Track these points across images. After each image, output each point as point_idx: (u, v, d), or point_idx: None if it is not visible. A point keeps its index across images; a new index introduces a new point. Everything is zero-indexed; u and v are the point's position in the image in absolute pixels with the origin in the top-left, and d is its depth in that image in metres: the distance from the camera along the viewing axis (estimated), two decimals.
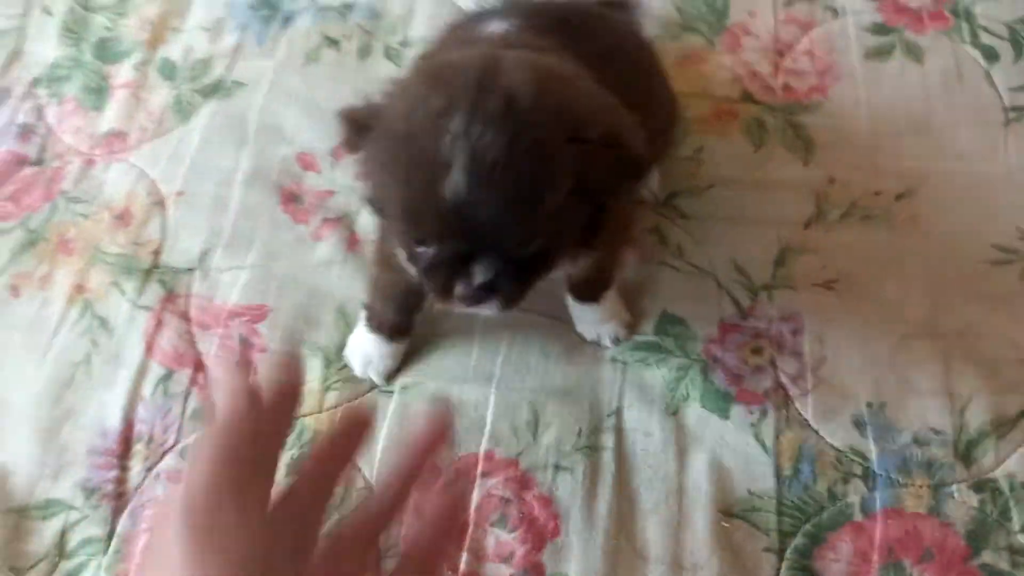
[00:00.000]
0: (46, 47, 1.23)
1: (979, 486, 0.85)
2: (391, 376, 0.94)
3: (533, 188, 0.63)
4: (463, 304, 0.68)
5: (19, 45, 1.24)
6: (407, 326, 0.93)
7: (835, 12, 1.16)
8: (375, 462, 0.89)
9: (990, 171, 1.03)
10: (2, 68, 1.21)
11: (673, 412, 0.91)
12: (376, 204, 0.72)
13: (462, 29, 0.93)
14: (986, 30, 1.12)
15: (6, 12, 1.27)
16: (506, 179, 0.62)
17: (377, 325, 0.92)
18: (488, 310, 0.70)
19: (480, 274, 0.66)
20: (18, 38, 1.24)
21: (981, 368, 0.91)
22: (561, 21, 0.86)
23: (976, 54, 1.11)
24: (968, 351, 0.92)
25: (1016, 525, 0.83)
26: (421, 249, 0.68)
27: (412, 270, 0.72)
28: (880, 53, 1.12)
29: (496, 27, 0.84)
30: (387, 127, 0.67)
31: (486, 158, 0.61)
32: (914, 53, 1.12)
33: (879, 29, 1.14)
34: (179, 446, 0.91)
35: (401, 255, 0.74)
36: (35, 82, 1.20)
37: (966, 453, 0.87)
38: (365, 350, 0.93)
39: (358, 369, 0.94)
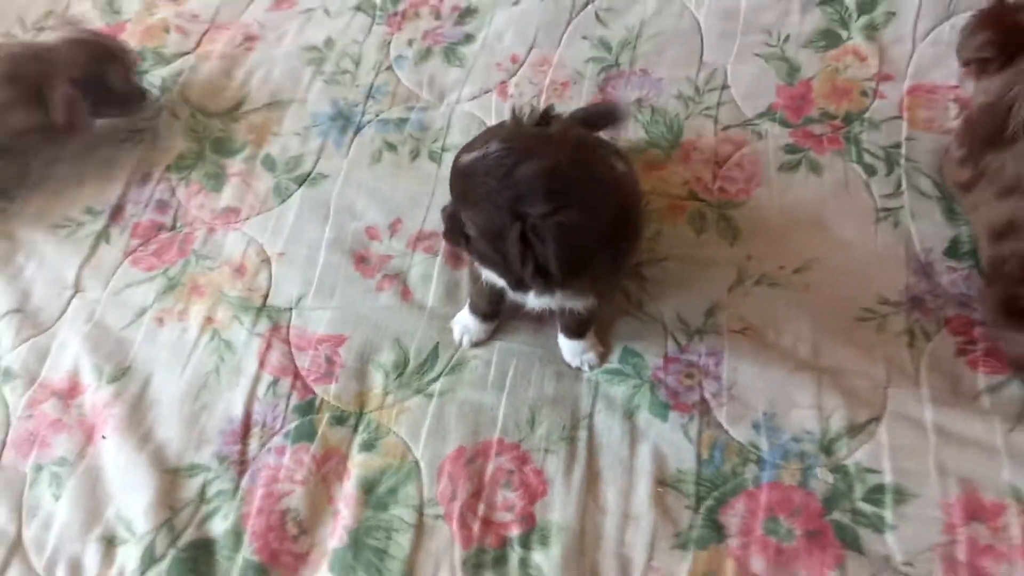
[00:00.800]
0: (175, 142, 1.66)
1: (835, 469, 1.23)
2: (478, 344, 1.36)
3: (477, 201, 1.05)
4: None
5: (154, 140, 1.67)
6: (494, 313, 1.35)
7: (760, 135, 1.57)
8: (421, 446, 1.28)
9: (863, 255, 1.42)
10: (142, 157, 1.64)
11: (629, 416, 1.30)
12: None
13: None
14: (868, 152, 1.52)
15: (143, 116, 1.69)
16: (469, 183, 1.06)
17: (474, 309, 1.35)
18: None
19: (446, 209, 1.14)
20: (153, 136, 1.67)
21: (843, 391, 1.29)
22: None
23: (860, 170, 1.51)
24: (835, 380, 1.30)
25: (857, 495, 1.21)
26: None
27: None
28: (791, 167, 1.53)
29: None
30: (502, 124, 1.12)
31: (476, 168, 1.04)
32: (815, 168, 1.52)
33: (791, 149, 1.55)
34: (283, 429, 1.30)
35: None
36: (168, 168, 1.62)
37: (827, 447, 1.25)
38: (465, 324, 1.37)
39: (457, 335, 1.37)
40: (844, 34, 1.66)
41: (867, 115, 1.57)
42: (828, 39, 1.66)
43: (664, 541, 1.19)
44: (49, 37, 1.62)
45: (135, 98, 1.65)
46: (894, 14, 1.65)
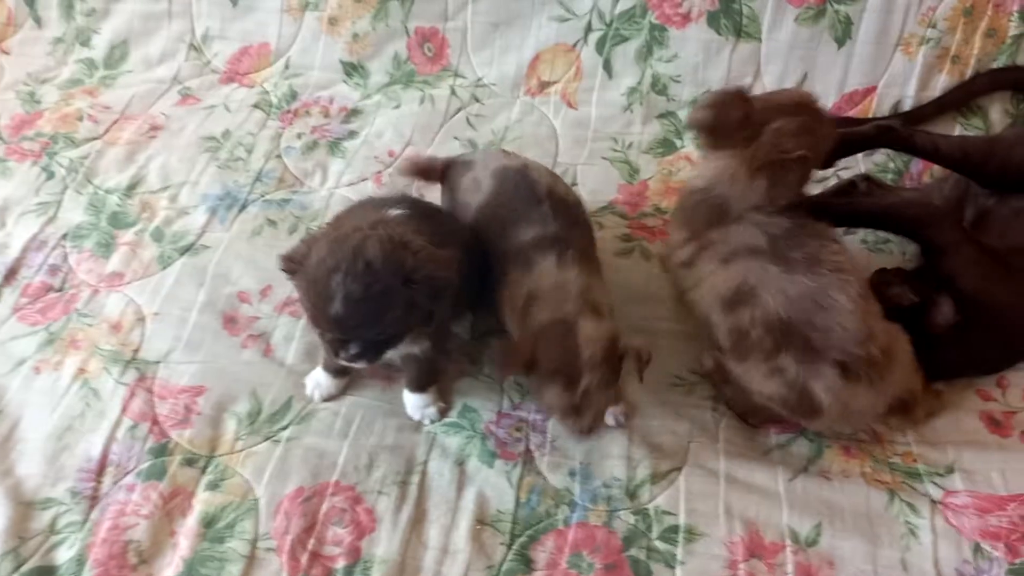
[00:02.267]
0: (75, 215, 1.81)
1: (636, 512, 1.36)
2: (329, 399, 1.50)
3: (378, 311, 1.22)
4: (347, 361, 1.28)
5: (56, 213, 1.81)
6: (344, 371, 1.49)
7: (601, 225, 1.77)
8: (263, 486, 1.39)
9: (681, 330, 1.59)
10: (43, 226, 1.78)
11: (460, 463, 1.43)
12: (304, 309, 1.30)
13: (371, 206, 1.50)
14: None
15: (50, 191, 1.85)
16: (361, 308, 1.21)
17: (326, 367, 1.49)
18: (360, 365, 1.30)
19: (352, 349, 1.26)
20: (56, 208, 1.82)
21: (651, 445, 1.44)
22: (430, 213, 1.49)
23: None
24: (645, 435, 1.45)
25: (654, 535, 1.34)
26: (323, 335, 1.27)
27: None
28: (625, 252, 1.73)
29: (395, 212, 1.41)
30: (305, 270, 1.25)
31: (352, 297, 1.20)
32: (645, 254, 1.72)
33: (626, 238, 1.75)
34: (136, 469, 1.41)
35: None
36: (63, 237, 1.76)
37: (633, 492, 1.38)
38: (318, 380, 1.50)
39: (309, 390, 1.50)
40: (678, 143, 1.91)
41: None
42: (665, 147, 1.90)
43: (477, 573, 1.30)
44: None
45: None
46: None
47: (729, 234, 1.41)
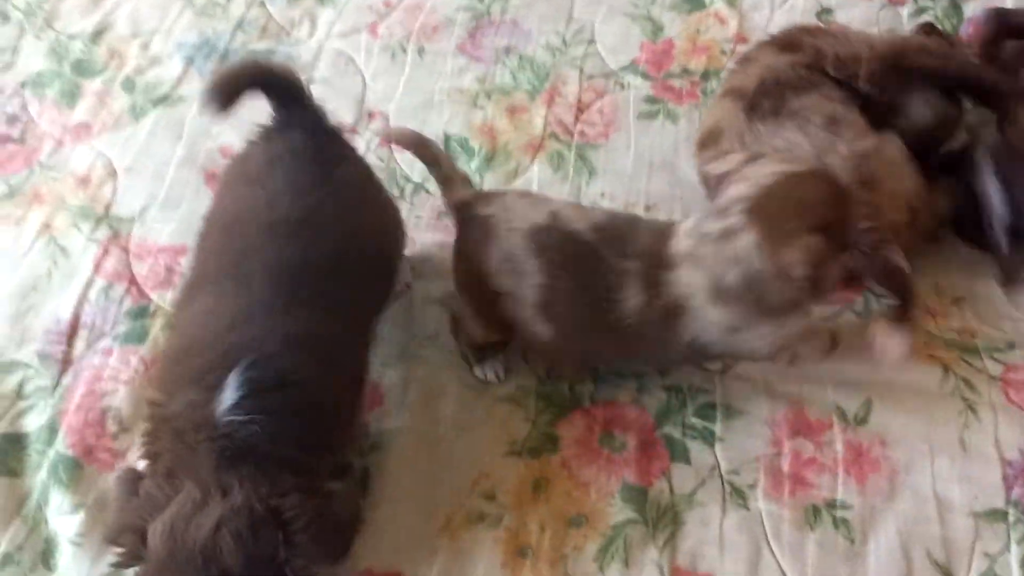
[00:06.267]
0: (35, 62, 1.62)
1: (667, 388, 1.25)
2: None
3: None
4: None
5: (13, 59, 1.62)
6: None
7: (623, 86, 1.61)
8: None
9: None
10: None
11: None
12: None
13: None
14: None
15: (5, 34, 1.65)
16: None
17: None
18: None
19: None
20: (12, 55, 1.63)
21: None
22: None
23: None
24: None
25: (689, 411, 1.23)
26: None
27: None
28: (649, 115, 1.57)
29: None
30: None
31: None
32: (672, 117, 1.57)
33: (650, 100, 1.59)
34: (113, 332, 1.26)
35: None
36: (22, 84, 1.57)
37: (664, 369, 1.26)
38: None
39: None
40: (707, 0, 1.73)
41: (723, 72, 1.62)
42: (692, 3, 1.72)
43: (500, 447, 1.19)
44: None
45: None
46: None
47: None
